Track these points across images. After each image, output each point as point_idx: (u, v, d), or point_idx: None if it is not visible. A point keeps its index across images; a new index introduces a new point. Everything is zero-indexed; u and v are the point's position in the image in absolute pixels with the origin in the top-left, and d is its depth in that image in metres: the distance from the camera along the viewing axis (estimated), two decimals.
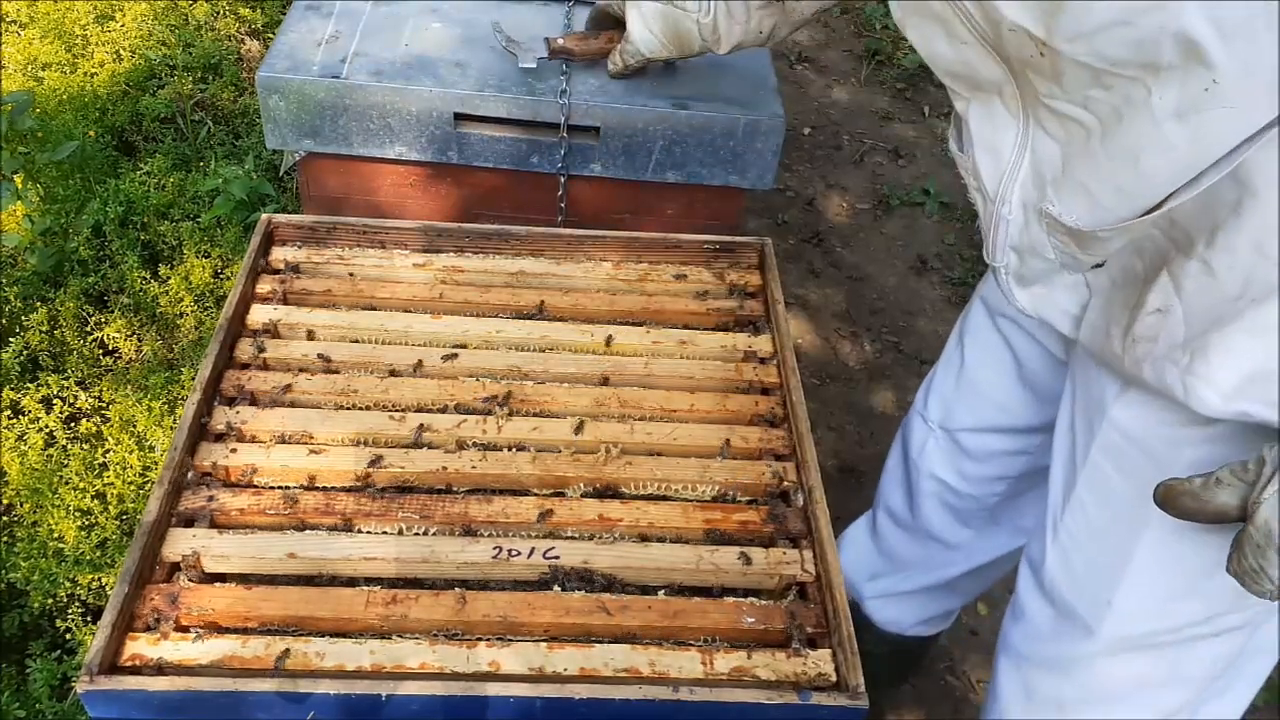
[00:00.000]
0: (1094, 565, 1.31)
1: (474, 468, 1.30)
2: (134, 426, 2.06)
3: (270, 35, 3.35)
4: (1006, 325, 1.50)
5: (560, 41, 1.81)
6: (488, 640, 1.13)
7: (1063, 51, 0.95)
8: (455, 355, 1.45)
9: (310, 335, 1.47)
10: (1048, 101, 1.02)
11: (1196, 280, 1.06)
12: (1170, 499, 1.06)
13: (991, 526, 1.73)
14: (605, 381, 1.45)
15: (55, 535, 1.87)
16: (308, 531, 1.22)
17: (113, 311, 2.33)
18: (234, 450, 1.29)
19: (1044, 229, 1.11)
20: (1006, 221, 1.15)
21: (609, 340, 1.50)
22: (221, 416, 1.33)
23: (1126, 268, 1.15)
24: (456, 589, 1.18)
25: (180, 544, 1.18)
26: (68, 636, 1.79)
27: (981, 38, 1.01)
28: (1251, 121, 0.89)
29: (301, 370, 1.42)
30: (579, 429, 1.36)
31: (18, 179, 2.39)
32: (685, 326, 1.56)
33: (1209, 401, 1.08)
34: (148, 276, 2.38)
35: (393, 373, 1.43)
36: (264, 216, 1.59)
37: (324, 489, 1.27)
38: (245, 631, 1.13)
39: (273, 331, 1.47)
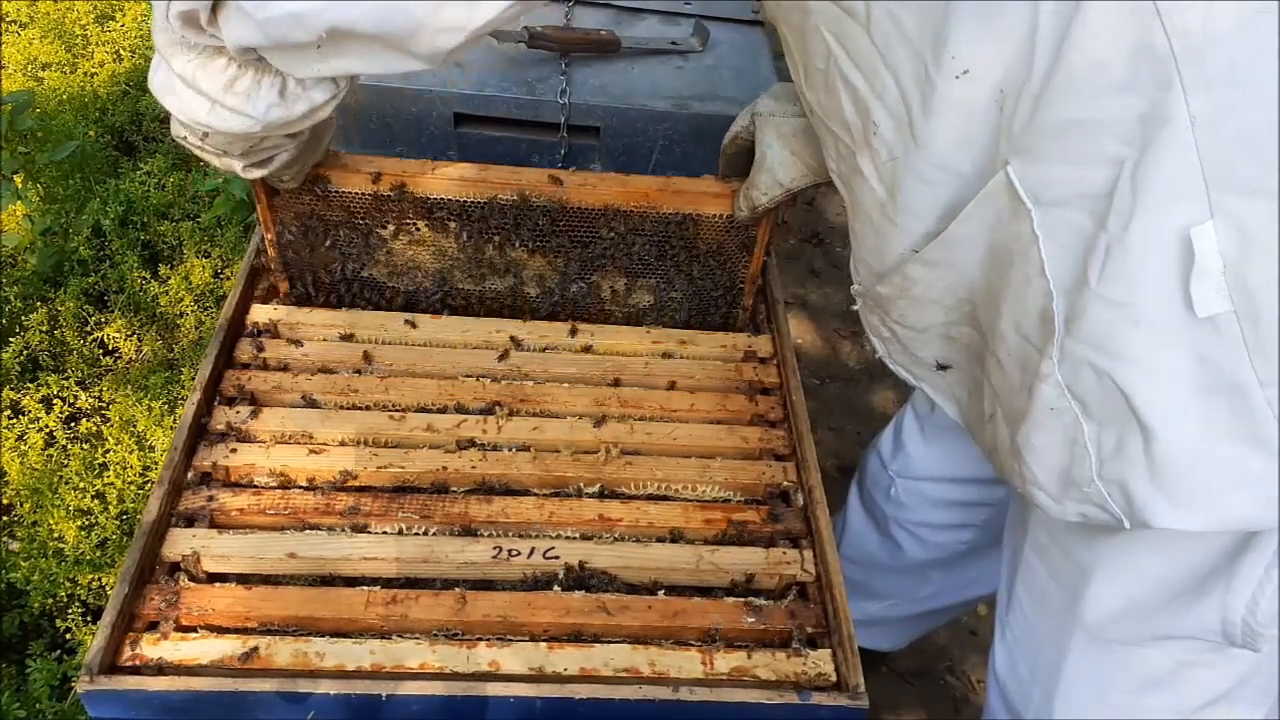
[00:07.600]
0: (1035, 672, 1.28)
1: (474, 468, 1.30)
2: (134, 426, 2.06)
3: None
4: None
5: (539, 28, 1.80)
6: (488, 640, 1.13)
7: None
8: (456, 355, 1.45)
9: (310, 336, 1.47)
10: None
11: (996, 375, 1.01)
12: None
13: (963, 571, 1.69)
14: (605, 382, 1.45)
15: (55, 535, 1.87)
16: (308, 531, 1.22)
17: (113, 311, 2.33)
18: (234, 450, 1.29)
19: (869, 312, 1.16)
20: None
21: (610, 338, 1.51)
22: (221, 416, 1.33)
23: (973, 375, 1.10)
24: (456, 589, 1.18)
25: (180, 544, 1.18)
26: (68, 636, 1.78)
27: None
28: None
29: (301, 370, 1.42)
30: (598, 423, 1.36)
31: (18, 179, 2.39)
32: (685, 326, 1.56)
33: (1051, 509, 1.01)
34: (148, 276, 2.38)
35: (392, 373, 1.43)
36: None
37: (324, 489, 1.27)
38: (245, 631, 1.13)
39: (273, 331, 1.47)
